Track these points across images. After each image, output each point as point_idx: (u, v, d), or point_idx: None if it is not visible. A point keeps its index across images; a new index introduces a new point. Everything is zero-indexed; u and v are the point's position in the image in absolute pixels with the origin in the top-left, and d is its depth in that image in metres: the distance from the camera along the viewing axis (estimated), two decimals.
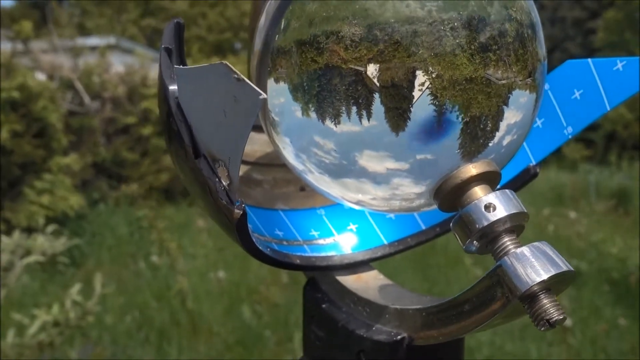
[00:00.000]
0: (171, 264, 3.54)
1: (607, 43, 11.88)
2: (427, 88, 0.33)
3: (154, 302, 3.13)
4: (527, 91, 0.36)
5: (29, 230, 3.82)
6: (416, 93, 0.33)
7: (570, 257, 3.77)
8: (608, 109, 0.44)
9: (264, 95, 0.28)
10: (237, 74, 0.29)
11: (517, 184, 0.48)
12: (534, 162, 0.48)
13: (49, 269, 3.57)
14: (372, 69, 0.33)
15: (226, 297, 3.18)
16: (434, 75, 0.33)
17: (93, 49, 6.69)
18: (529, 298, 0.32)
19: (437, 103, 0.33)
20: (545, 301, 0.32)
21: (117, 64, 6.50)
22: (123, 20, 12.78)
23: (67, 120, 5.39)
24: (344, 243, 0.49)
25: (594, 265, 3.70)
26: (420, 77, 0.33)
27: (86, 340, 2.61)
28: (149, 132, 5.58)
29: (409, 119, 0.33)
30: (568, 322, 2.68)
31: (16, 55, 5.21)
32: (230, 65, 0.29)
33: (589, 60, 0.45)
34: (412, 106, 0.33)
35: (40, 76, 5.56)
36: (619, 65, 0.43)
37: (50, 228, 3.67)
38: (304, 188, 0.51)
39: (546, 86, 0.46)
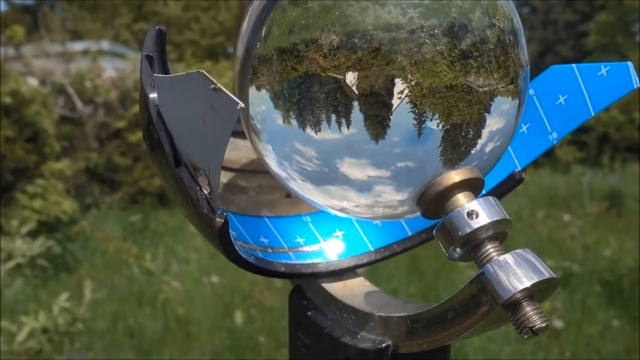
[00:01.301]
0: (164, 270, 3.54)
1: (599, 45, 11.91)
2: (406, 96, 0.32)
3: (147, 308, 3.11)
4: (510, 98, 0.36)
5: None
6: (395, 101, 0.33)
7: (563, 259, 3.77)
8: (592, 114, 0.44)
9: (241, 105, 0.28)
10: (214, 83, 0.28)
11: (503, 189, 0.48)
12: (519, 168, 0.47)
13: (41, 275, 3.56)
14: (350, 77, 0.32)
15: (220, 302, 3.17)
16: (413, 83, 0.32)
17: (85, 53, 6.67)
18: (512, 306, 0.32)
19: (416, 111, 0.33)
20: (528, 309, 0.32)
21: (110, 69, 6.49)
22: (115, 25, 12.75)
23: (60, 125, 5.37)
24: (329, 250, 0.49)
25: (587, 267, 3.70)
26: (399, 85, 0.32)
27: (78, 347, 2.60)
28: (141, 137, 5.54)
29: (389, 126, 0.33)
30: (561, 324, 2.68)
31: (8, 60, 5.19)
32: (207, 74, 0.29)
33: (574, 65, 0.45)
34: (391, 114, 0.33)
35: (32, 81, 5.55)
36: (603, 71, 0.43)
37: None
38: (290, 195, 0.51)
39: (531, 91, 0.46)
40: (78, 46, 7.21)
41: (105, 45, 7.98)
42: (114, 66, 6.68)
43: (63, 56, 6.36)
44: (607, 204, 5.74)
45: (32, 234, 3.87)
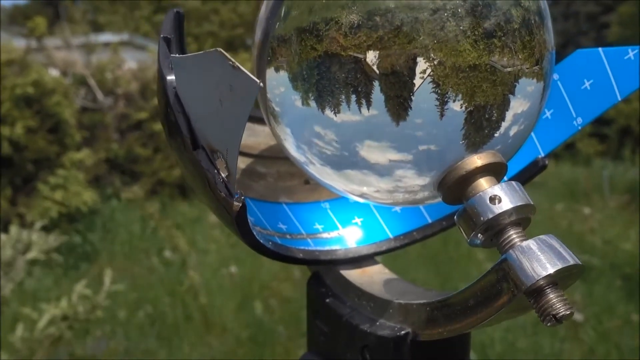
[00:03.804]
0: (183, 260, 3.55)
1: (621, 37, 11.77)
2: (428, 75, 0.32)
3: (167, 297, 3.13)
4: (535, 79, 0.35)
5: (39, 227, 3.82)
6: (417, 81, 0.32)
7: (583, 252, 3.74)
8: (619, 98, 0.43)
9: (260, 83, 0.27)
10: (232, 62, 0.28)
11: (525, 176, 0.47)
12: (542, 154, 0.47)
13: (62, 265, 3.59)
14: (371, 56, 0.32)
15: (238, 292, 3.19)
16: (435, 62, 0.32)
17: (106, 45, 6.71)
18: (535, 292, 0.31)
19: (439, 91, 0.32)
20: (552, 296, 0.31)
21: (130, 61, 6.52)
22: (136, 17, 12.82)
23: (81, 116, 5.41)
24: (348, 237, 0.48)
25: (606, 260, 3.66)
26: (422, 64, 0.32)
27: (100, 336, 2.62)
28: (161, 128, 5.56)
29: (410, 107, 0.32)
30: (580, 318, 2.66)
31: (30, 52, 5.23)
32: (225, 53, 0.28)
33: (600, 49, 0.44)
34: (413, 94, 0.32)
35: (54, 72, 5.59)
36: (631, 54, 0.42)
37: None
38: (309, 181, 0.51)
39: (555, 76, 0.45)
40: (99, 38, 7.25)
41: (125, 37, 8.02)
42: (134, 58, 6.71)
43: (84, 48, 6.40)
44: (628, 197, 5.68)
45: (53, 225, 3.90)
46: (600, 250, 3.91)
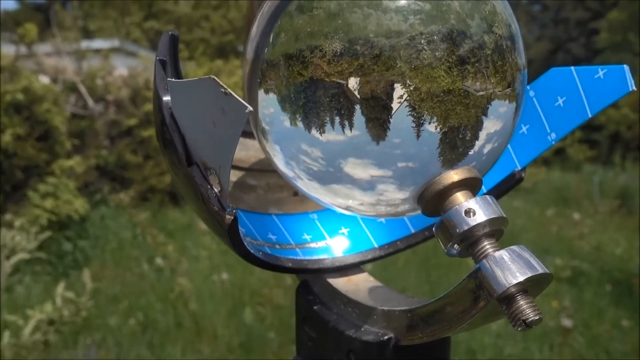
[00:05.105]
0: (173, 267, 3.56)
1: (610, 44, 11.86)
2: (405, 100, 0.34)
3: (158, 304, 3.14)
4: (507, 101, 0.37)
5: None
6: (395, 105, 0.34)
7: (573, 257, 3.77)
8: (589, 115, 0.45)
9: (249, 108, 0.29)
10: (225, 88, 0.30)
11: (503, 188, 0.49)
12: (519, 167, 0.49)
13: (53, 272, 3.59)
14: (353, 82, 0.34)
15: (229, 299, 3.20)
16: (411, 88, 0.34)
17: (97, 51, 6.70)
18: (507, 299, 0.34)
19: (415, 114, 0.34)
20: (522, 302, 0.33)
21: (121, 67, 6.52)
22: (126, 23, 12.80)
23: (71, 123, 5.40)
24: (335, 246, 0.51)
25: (596, 266, 3.69)
26: (399, 89, 0.34)
27: (90, 343, 2.63)
28: (152, 135, 5.58)
29: (389, 129, 0.35)
30: (570, 323, 2.68)
31: (20, 58, 5.23)
32: (217, 80, 0.30)
33: (572, 68, 0.46)
34: (391, 117, 0.35)
35: (44, 79, 5.58)
36: (600, 74, 0.45)
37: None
38: (297, 193, 0.53)
39: (531, 93, 0.47)
40: (89, 44, 7.24)
41: (116, 43, 8.01)
42: (125, 64, 6.71)
43: (75, 54, 6.39)
44: (618, 203, 5.73)
45: (43, 231, 3.90)
46: (590, 256, 3.94)
